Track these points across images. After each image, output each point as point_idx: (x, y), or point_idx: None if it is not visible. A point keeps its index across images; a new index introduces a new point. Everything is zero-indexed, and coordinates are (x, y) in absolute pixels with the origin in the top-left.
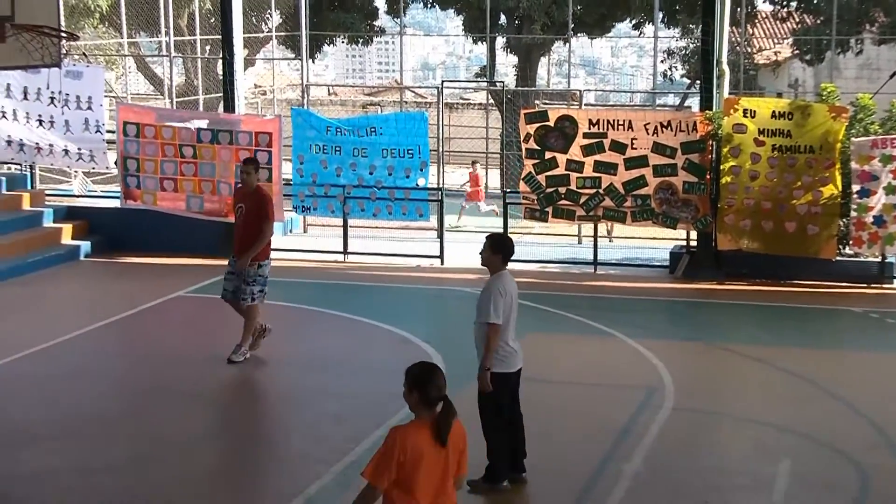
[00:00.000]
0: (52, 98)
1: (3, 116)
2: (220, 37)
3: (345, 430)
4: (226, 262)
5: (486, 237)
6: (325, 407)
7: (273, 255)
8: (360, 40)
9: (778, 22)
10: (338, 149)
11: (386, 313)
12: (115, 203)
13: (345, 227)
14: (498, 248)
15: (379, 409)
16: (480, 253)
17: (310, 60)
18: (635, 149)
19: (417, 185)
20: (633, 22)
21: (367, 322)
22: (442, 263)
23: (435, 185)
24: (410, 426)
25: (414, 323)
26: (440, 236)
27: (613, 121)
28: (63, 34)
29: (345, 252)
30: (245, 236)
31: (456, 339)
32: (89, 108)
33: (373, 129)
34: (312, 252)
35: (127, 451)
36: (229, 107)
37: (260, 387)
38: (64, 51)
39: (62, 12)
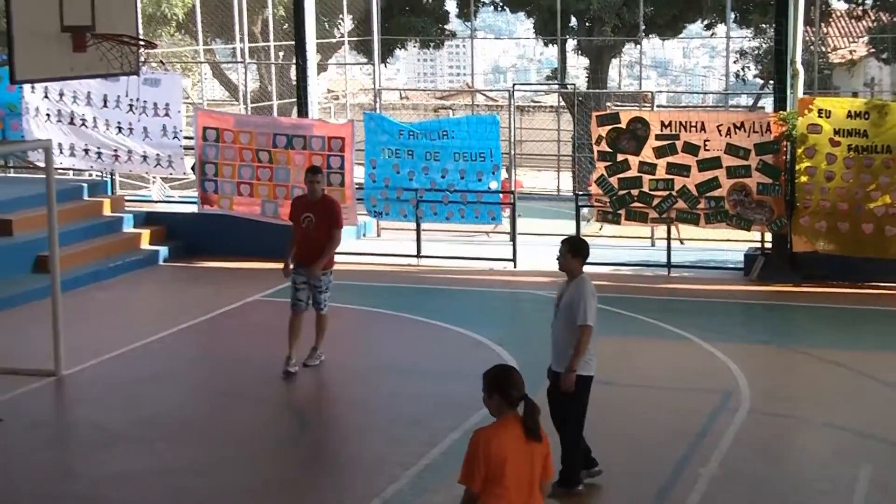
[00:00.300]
0: (131, 105)
1: (83, 125)
2: (293, 42)
3: (420, 434)
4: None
5: (563, 241)
6: (401, 410)
7: (347, 258)
8: (432, 44)
9: (853, 20)
10: (410, 153)
11: (459, 316)
12: (193, 208)
13: (418, 230)
14: (577, 251)
15: (454, 413)
16: (558, 257)
17: (381, 65)
18: (708, 150)
19: (489, 188)
20: (706, 22)
21: (441, 325)
22: (514, 266)
23: (507, 188)
24: (492, 428)
25: (487, 326)
26: (512, 239)
27: (686, 122)
28: (141, 42)
29: (418, 255)
30: (317, 245)
31: (529, 341)
32: (167, 114)
33: (445, 133)
34: (385, 256)
35: (207, 454)
36: (303, 112)
37: (335, 390)
38: (142, 59)
39: (140, 21)
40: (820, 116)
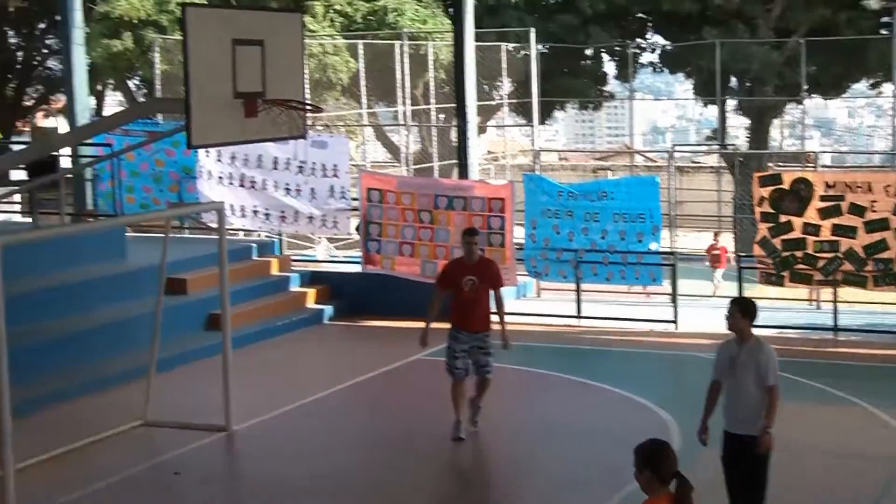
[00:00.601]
0: (300, 167)
1: (253, 186)
2: (454, 105)
3: (579, 499)
4: None
5: (732, 302)
6: (560, 473)
7: (506, 319)
8: (590, 105)
9: None
10: (570, 213)
11: (619, 378)
12: (356, 268)
13: (577, 291)
14: (747, 312)
15: (614, 477)
16: (727, 317)
17: (540, 126)
18: (875, 211)
19: (650, 249)
20: (871, 81)
21: (601, 386)
22: (676, 328)
23: (667, 249)
24: None
25: (648, 388)
26: (673, 300)
27: (851, 183)
28: (308, 107)
29: (578, 316)
30: (483, 308)
31: (692, 404)
32: (335, 175)
33: (604, 194)
34: (545, 316)
35: None
36: (463, 173)
37: (495, 450)
38: (309, 122)
39: (307, 87)
40: None
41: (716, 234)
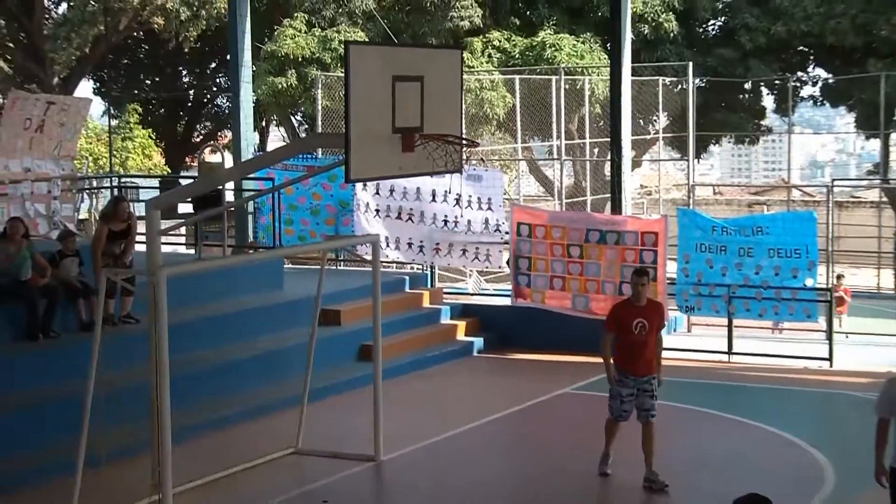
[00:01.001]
0: (457, 200)
1: (410, 219)
2: (608, 139)
3: None
4: None
5: None
6: None
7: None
8: (747, 139)
9: None
10: (723, 248)
11: (772, 415)
12: (506, 301)
13: (730, 326)
14: None
15: None
16: None
17: (696, 160)
18: None
19: (805, 285)
20: None
21: (752, 424)
22: (831, 366)
23: (824, 286)
24: None
25: (801, 426)
26: (829, 338)
27: None
28: (465, 142)
29: (729, 352)
30: (651, 351)
31: (846, 444)
32: (489, 208)
33: (759, 229)
34: (696, 351)
35: None
36: (616, 207)
37: (640, 487)
38: (465, 157)
39: (464, 122)
40: None
41: (839, 277)
